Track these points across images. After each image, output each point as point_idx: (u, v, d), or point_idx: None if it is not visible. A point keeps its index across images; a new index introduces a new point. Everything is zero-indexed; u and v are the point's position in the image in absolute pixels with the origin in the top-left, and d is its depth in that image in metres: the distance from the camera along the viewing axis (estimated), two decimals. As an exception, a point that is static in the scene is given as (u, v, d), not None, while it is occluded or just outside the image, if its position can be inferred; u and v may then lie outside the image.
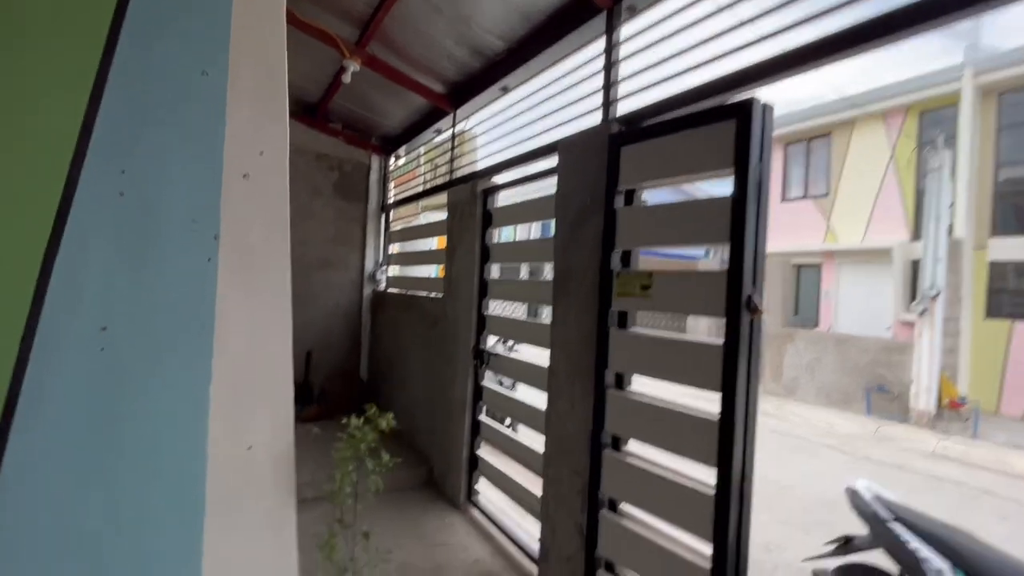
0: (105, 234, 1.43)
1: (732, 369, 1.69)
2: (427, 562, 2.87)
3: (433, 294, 4.34)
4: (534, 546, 2.86)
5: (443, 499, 3.70)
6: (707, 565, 1.71)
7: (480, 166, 3.80)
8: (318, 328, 5.54)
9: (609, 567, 2.16)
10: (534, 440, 3.02)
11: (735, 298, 1.70)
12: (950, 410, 7.44)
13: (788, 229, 11.26)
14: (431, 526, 3.29)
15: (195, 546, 1.52)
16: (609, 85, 2.44)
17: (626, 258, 2.18)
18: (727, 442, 1.69)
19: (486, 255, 3.48)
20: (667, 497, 1.89)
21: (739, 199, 1.70)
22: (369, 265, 5.80)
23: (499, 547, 3.07)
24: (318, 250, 5.53)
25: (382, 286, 5.77)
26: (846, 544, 2.38)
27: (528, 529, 3.05)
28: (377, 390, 5.52)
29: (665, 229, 2.05)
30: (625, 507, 2.15)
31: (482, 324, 3.48)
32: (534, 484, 2.96)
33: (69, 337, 1.39)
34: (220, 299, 1.58)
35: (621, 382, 2.18)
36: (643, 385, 2.18)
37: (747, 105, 1.69)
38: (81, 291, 1.40)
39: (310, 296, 5.50)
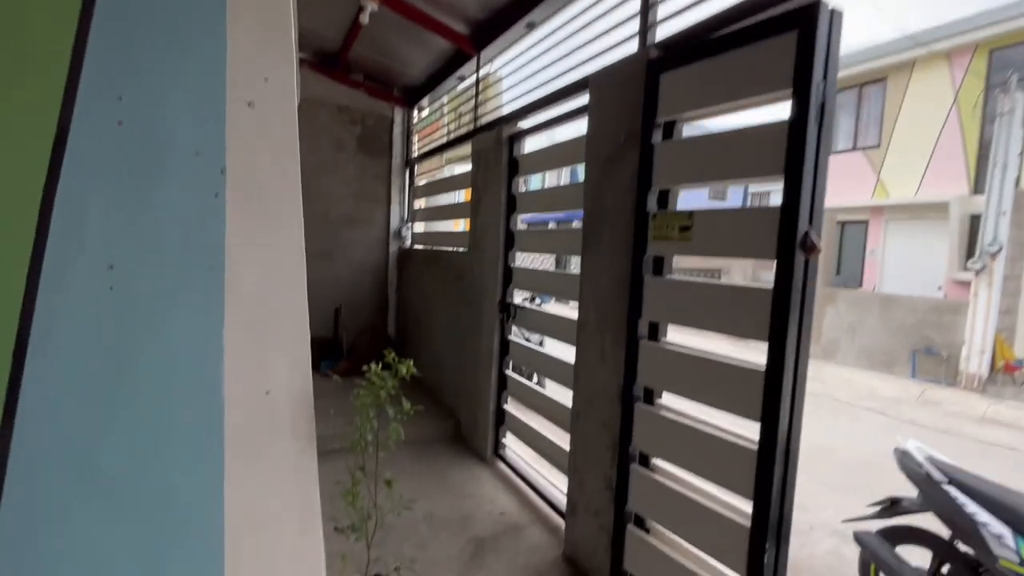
0: (106, 166, 1.35)
1: (782, 315, 1.52)
2: (453, 512, 2.88)
3: (459, 249, 4.24)
4: (561, 500, 2.83)
5: (470, 453, 3.71)
6: (746, 523, 1.61)
7: (506, 111, 3.59)
8: (346, 285, 5.55)
9: (639, 522, 2.09)
10: (561, 395, 2.95)
11: (789, 236, 1.52)
12: (1004, 374, 7.02)
13: (833, 183, 10.56)
14: (458, 478, 3.30)
15: (216, 489, 1.50)
16: (647, 7, 2.19)
17: (663, 199, 2.00)
18: (774, 395, 1.55)
19: (512, 205, 3.33)
20: (704, 452, 1.77)
21: (798, 123, 1.49)
22: (394, 222, 5.72)
23: (526, 500, 3.05)
24: (343, 207, 5.47)
25: (407, 243, 5.71)
26: (892, 506, 2.23)
27: (555, 483, 3.01)
28: (405, 345, 5.54)
29: (709, 164, 1.86)
30: (657, 462, 2.06)
31: (508, 277, 3.37)
32: (561, 439, 2.90)
33: (76, 274, 1.33)
34: (229, 237, 1.50)
35: (655, 332, 2.04)
36: (677, 337, 2.04)
37: (811, 10, 1.46)
38: (84, 226, 1.33)
39: (337, 253, 5.48)
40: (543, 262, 9.58)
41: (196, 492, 1.48)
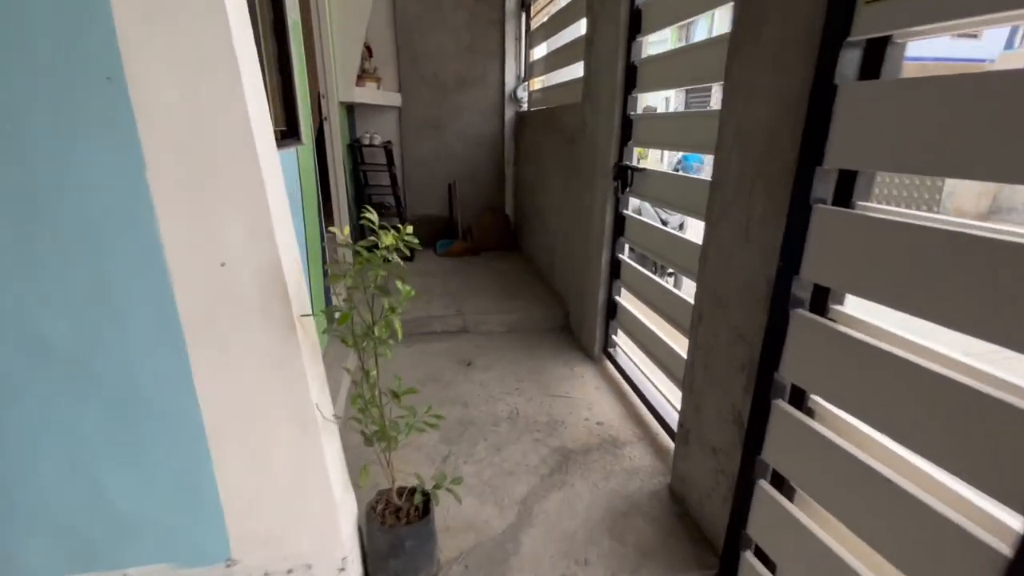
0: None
1: None
2: (542, 413, 2.47)
3: (572, 102, 3.37)
4: (675, 421, 2.22)
5: (576, 347, 3.22)
6: (1004, 550, 0.83)
7: None
8: (460, 159, 5.09)
9: (777, 481, 1.41)
10: (684, 289, 2.19)
11: None
12: None
13: None
14: (557, 374, 2.87)
15: (184, 380, 1.20)
16: None
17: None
18: None
19: (635, 24, 2.35)
20: (923, 409, 0.97)
21: None
22: (510, 81, 4.93)
23: (631, 410, 2.50)
24: (452, 65, 4.81)
25: (524, 105, 4.92)
26: None
27: (671, 397, 2.39)
28: (523, 226, 5.05)
29: None
30: (819, 403, 1.29)
31: (627, 131, 2.51)
32: (680, 344, 2.20)
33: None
34: (123, 29, 1.00)
35: (847, 191, 1.15)
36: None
37: None
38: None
39: (448, 122, 4.97)
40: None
41: (161, 381, 1.19)
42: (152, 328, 1.14)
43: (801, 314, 1.25)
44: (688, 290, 2.27)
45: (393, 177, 4.58)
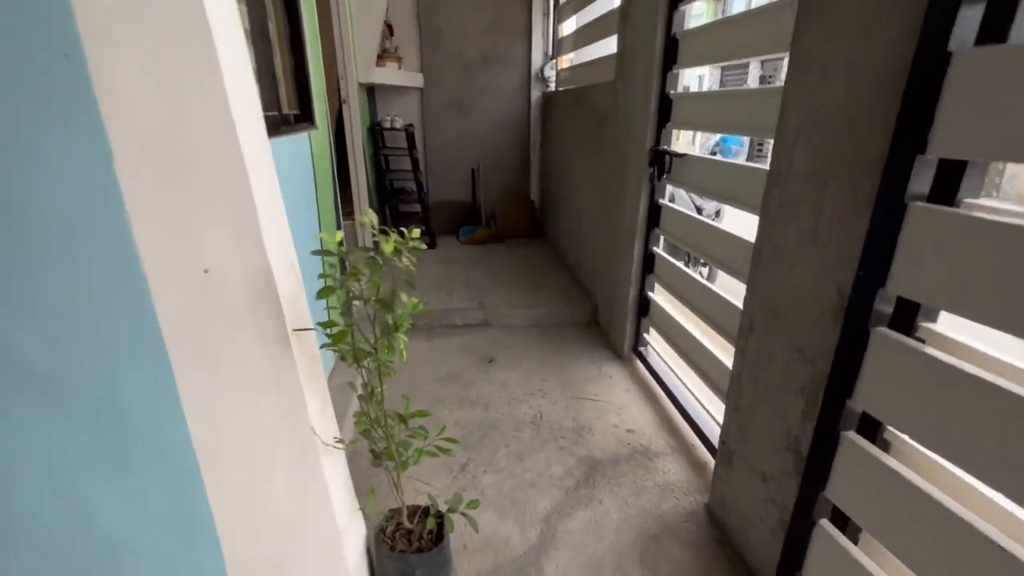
0: None
1: None
2: (568, 418, 2.32)
3: (605, 81, 3.12)
4: (713, 430, 2.03)
5: (604, 344, 3.03)
6: None
7: None
8: (484, 143, 4.90)
9: (840, 520, 1.21)
10: (728, 290, 1.98)
11: None
12: None
13: None
14: (583, 373, 2.70)
15: (169, 397, 1.08)
16: None
17: None
18: None
19: (678, -11, 2.10)
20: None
21: None
22: (536, 59, 4.68)
23: (664, 417, 2.32)
24: (477, 43, 4.59)
25: (551, 85, 4.67)
26: None
27: (709, 407, 2.19)
28: (548, 214, 4.85)
29: None
30: (900, 439, 1.09)
31: (665, 111, 2.28)
32: (721, 350, 2.00)
33: None
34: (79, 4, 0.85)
35: (951, 186, 0.93)
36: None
37: None
38: None
39: (472, 103, 4.77)
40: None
41: (146, 400, 1.07)
42: (132, 341, 1.01)
43: (884, 333, 1.04)
44: (727, 285, 2.05)
45: (415, 161, 4.42)
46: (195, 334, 1.02)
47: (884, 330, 1.05)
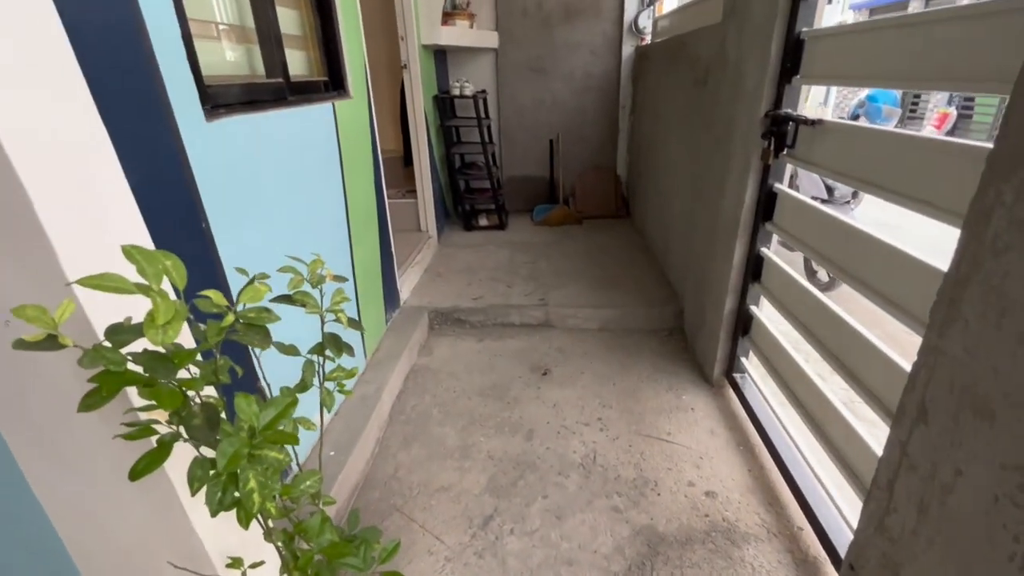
0: None
1: None
2: (629, 464, 1.82)
3: (709, 24, 2.41)
4: (834, 523, 1.43)
5: (688, 361, 2.45)
6: None
7: None
8: (565, 109, 4.32)
9: None
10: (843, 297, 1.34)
11: None
12: None
13: None
14: (657, 401, 2.16)
15: (15, 479, 0.78)
16: None
17: None
18: None
19: None
20: None
21: None
22: (631, 7, 3.95)
23: (761, 479, 1.74)
24: (559, -9, 3.96)
25: (647, 37, 3.94)
26: None
27: (832, 485, 1.57)
28: (635, 190, 4.19)
29: None
30: None
31: (792, 60, 1.60)
32: (862, 421, 1.38)
33: None
34: None
35: None
36: None
37: None
38: None
39: (552, 63, 4.19)
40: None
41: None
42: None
43: None
44: (858, 309, 1.39)
45: (486, 132, 3.99)
46: (20, 407, 0.70)
47: None
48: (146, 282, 0.50)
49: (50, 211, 0.59)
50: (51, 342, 0.48)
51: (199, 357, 0.58)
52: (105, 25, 0.89)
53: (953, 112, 8.97)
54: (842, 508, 1.45)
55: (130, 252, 0.51)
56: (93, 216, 0.65)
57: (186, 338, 0.77)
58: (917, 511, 0.91)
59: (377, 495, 1.73)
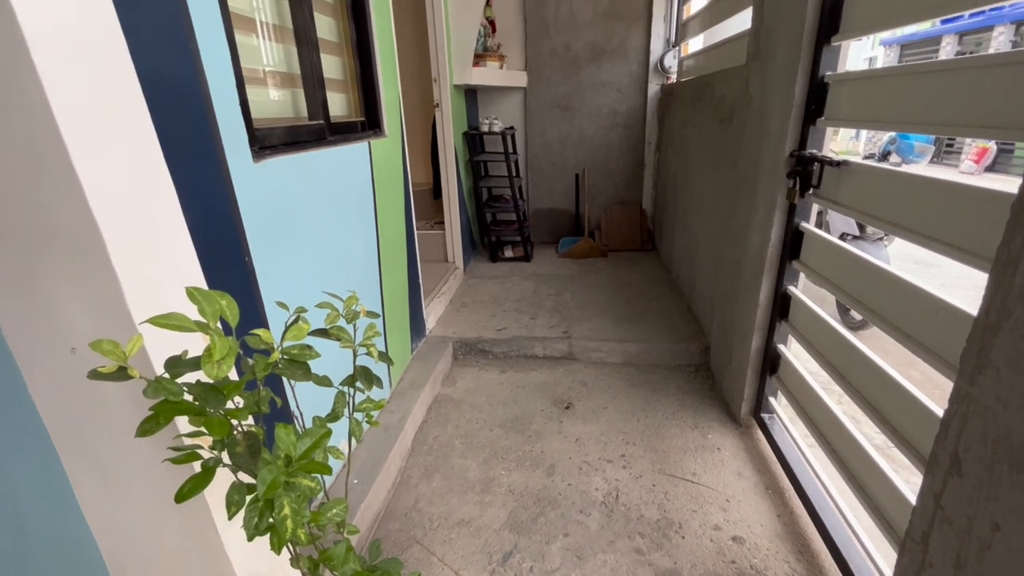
0: None
1: None
2: (651, 503, 1.78)
3: (733, 66, 2.47)
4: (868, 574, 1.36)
5: (714, 400, 2.40)
6: None
7: None
8: (592, 144, 4.41)
9: None
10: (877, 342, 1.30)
11: None
12: None
13: None
14: (682, 440, 2.12)
15: (64, 491, 0.83)
16: None
17: None
18: None
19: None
20: None
21: None
22: (656, 48, 4.06)
23: (790, 525, 1.67)
24: (587, 34, 4.12)
25: (672, 76, 4.02)
26: None
27: (864, 534, 1.50)
28: (661, 225, 4.21)
29: None
30: None
31: (816, 101, 1.63)
32: (897, 468, 1.34)
33: None
34: None
35: None
36: None
37: None
38: None
39: (579, 101, 4.31)
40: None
41: (43, 504, 0.84)
42: (15, 430, 0.77)
43: None
44: (893, 349, 1.35)
45: (514, 166, 4.10)
46: (77, 427, 0.75)
47: None
48: (204, 320, 0.55)
49: (119, 249, 0.65)
50: (121, 373, 0.54)
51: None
52: (171, 75, 0.99)
53: (993, 147, 8.74)
54: (876, 559, 1.38)
55: (192, 293, 0.56)
56: (155, 254, 0.71)
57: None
58: (954, 568, 0.87)
59: (397, 526, 1.74)
